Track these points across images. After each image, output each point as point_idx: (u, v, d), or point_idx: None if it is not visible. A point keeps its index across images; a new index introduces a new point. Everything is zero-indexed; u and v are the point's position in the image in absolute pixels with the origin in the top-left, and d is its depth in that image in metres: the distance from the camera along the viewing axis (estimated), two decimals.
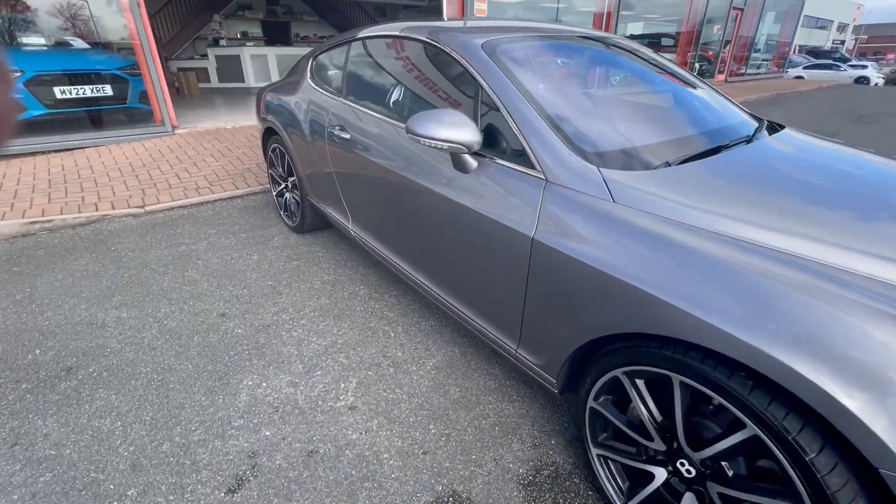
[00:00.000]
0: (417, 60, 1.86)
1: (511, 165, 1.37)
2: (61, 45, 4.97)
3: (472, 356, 1.94)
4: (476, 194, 1.42)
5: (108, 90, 4.96)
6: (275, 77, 11.04)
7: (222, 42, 11.03)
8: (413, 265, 1.87)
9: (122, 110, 5.16)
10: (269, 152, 3.02)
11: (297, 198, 2.86)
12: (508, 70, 1.50)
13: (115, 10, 4.83)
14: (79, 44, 5.18)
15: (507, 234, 1.31)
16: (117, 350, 1.92)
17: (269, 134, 2.98)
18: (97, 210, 3.20)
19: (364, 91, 2.10)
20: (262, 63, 10.80)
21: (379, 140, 1.87)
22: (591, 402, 1.27)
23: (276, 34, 13.28)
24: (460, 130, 1.35)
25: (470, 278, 1.53)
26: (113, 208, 3.26)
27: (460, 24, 1.86)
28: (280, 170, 2.98)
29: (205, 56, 10.87)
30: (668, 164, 1.28)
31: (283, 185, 3.03)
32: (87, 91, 4.83)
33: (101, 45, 5.35)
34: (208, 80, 10.95)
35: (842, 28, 35.00)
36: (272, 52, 10.94)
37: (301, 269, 2.60)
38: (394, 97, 1.91)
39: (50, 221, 3.00)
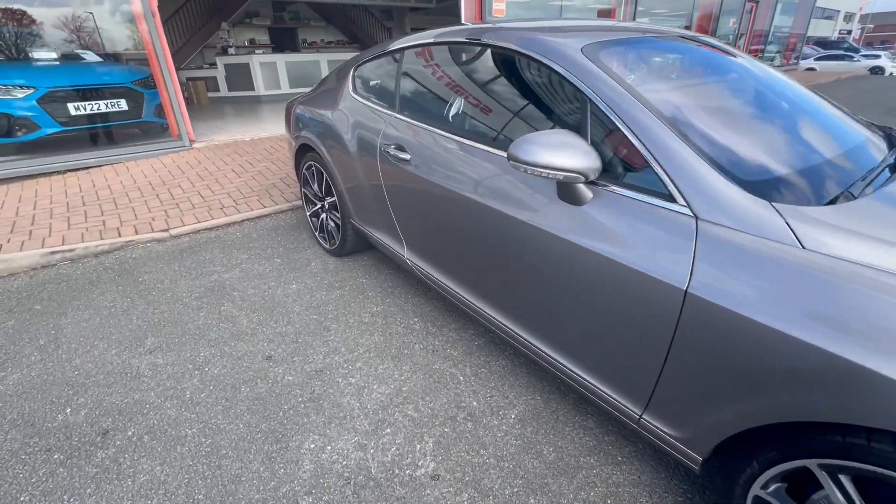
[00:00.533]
0: (491, 70, 1.62)
1: (641, 198, 1.12)
2: (72, 59, 4.79)
3: (558, 404, 1.70)
4: (594, 231, 1.18)
5: (122, 104, 4.77)
6: (284, 85, 10.87)
7: (231, 50, 10.88)
8: (492, 304, 1.63)
9: (138, 125, 4.97)
10: (303, 169, 2.80)
11: (336, 220, 2.63)
12: (621, 78, 1.26)
13: (127, 19, 4.64)
14: (90, 57, 5.01)
15: (646, 283, 1.06)
16: (157, 406, 1.70)
17: (303, 150, 2.76)
18: (120, 236, 3.00)
19: (425, 106, 1.86)
20: (271, 71, 10.65)
21: (449, 163, 1.64)
22: (756, 490, 1.02)
23: (283, 41, 13.14)
24: (576, 156, 1.12)
25: (578, 328, 1.30)
26: (136, 233, 3.06)
27: (531, 24, 1.62)
28: (316, 189, 2.76)
29: (213, 65, 10.73)
30: (851, 196, 1.03)
31: (318, 206, 2.81)
32: (101, 106, 4.64)
33: (112, 57, 5.18)
34: (217, 90, 10.81)
35: (848, 18, 34.40)
36: (281, 60, 10.78)
37: (346, 299, 2.37)
38: (465, 113, 1.68)
39: (72, 250, 2.79)
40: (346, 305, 2.32)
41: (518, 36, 1.51)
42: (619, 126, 1.18)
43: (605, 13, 10.53)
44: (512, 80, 1.58)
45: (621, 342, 1.17)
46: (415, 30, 14.86)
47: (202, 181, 4.02)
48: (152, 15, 4.37)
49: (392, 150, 1.90)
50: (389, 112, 2.02)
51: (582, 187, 1.19)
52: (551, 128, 1.40)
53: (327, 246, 2.82)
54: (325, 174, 2.55)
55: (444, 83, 1.82)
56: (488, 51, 1.63)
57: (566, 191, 1.22)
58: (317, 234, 2.92)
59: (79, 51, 4.77)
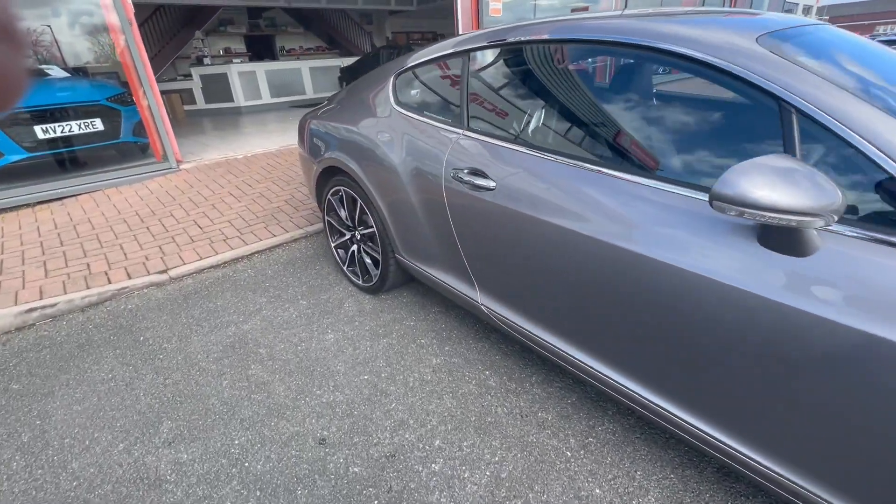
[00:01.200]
0: (617, 76, 1.28)
1: None
2: (38, 75, 4.27)
3: (697, 480, 1.36)
4: (829, 292, 0.84)
5: (97, 124, 4.26)
6: (266, 95, 10.36)
7: (206, 60, 10.30)
8: (615, 364, 1.29)
9: (116, 146, 4.47)
10: (328, 195, 2.40)
11: (374, 253, 2.25)
12: (834, 79, 0.94)
13: (102, 30, 4.15)
14: (57, 72, 4.49)
15: None
16: None
17: (327, 173, 2.37)
18: (110, 282, 2.54)
19: (514, 122, 1.51)
20: (251, 80, 10.13)
21: (560, 193, 1.28)
22: None
23: (260, 49, 12.60)
24: (811, 190, 0.78)
25: (775, 409, 0.96)
26: (129, 277, 2.61)
27: (631, 15, 1.29)
28: (345, 217, 2.37)
29: (188, 76, 10.14)
30: None
31: (348, 236, 2.42)
32: (73, 128, 4.13)
33: (83, 72, 4.66)
34: (193, 102, 10.22)
35: (807, 10, 35.58)
36: (261, 68, 10.27)
37: (397, 349, 1.99)
38: (588, 132, 1.33)
39: (53, 305, 2.33)
40: (400, 358, 1.94)
41: (650, 30, 1.17)
42: (857, 144, 0.85)
43: (581, 10, 10.36)
44: (641, 88, 1.24)
45: (867, 435, 0.84)
46: (396, 34, 14.44)
47: (197, 208, 3.57)
48: (129, 24, 3.89)
49: (465, 176, 1.54)
50: (455, 129, 1.65)
51: (813, 233, 0.86)
52: (716, 147, 1.07)
53: (360, 282, 2.43)
54: (358, 201, 2.17)
55: (534, 93, 1.47)
56: (600, 49, 1.29)
57: (781, 237, 0.89)
58: (345, 267, 2.52)
59: (45, 66, 4.25)
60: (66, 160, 4.27)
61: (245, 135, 6.48)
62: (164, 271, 2.68)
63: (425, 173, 1.72)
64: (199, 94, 10.16)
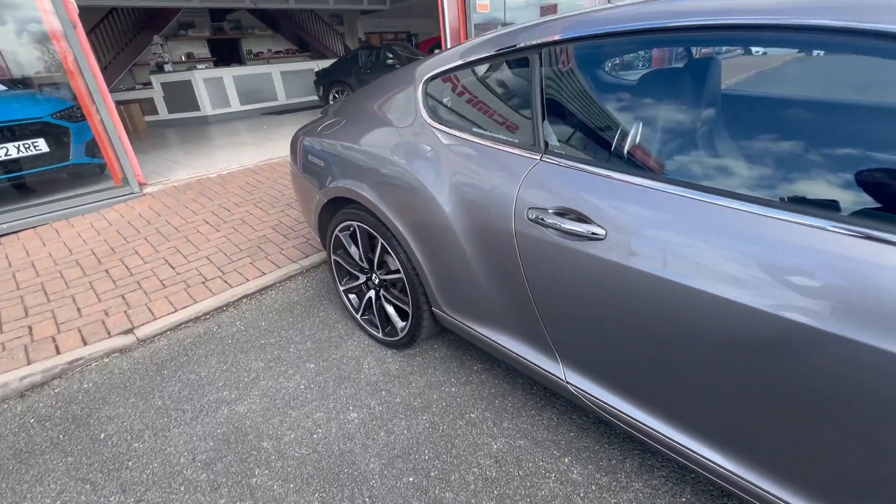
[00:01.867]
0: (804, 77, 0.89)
1: None
2: None
3: None
4: None
5: (41, 145, 3.65)
6: (235, 103, 9.68)
7: (167, 67, 9.55)
8: (778, 479, 0.89)
9: (66, 170, 3.85)
10: (336, 231, 1.94)
11: (400, 304, 1.81)
12: None
13: (40, 35, 3.54)
14: None
15: None
16: None
17: (334, 204, 1.91)
18: (58, 352, 2.01)
19: (619, 141, 1.09)
20: (217, 87, 9.46)
21: (711, 249, 0.88)
22: None
23: (225, 53, 11.85)
24: None
25: None
26: (84, 343, 2.08)
27: None
28: (357, 257, 1.92)
29: (148, 84, 9.38)
30: None
31: (362, 280, 1.97)
32: (11, 150, 3.50)
33: (23, 84, 4.02)
34: (155, 112, 9.47)
35: None
36: (228, 74, 9.61)
37: (442, 431, 1.56)
38: (738, 158, 0.93)
39: None
40: (449, 445, 1.50)
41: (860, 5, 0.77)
42: None
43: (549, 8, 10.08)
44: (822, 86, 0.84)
45: None
46: (369, 34, 13.94)
47: (167, 242, 3.03)
48: (73, 27, 3.30)
49: (551, 219, 1.11)
50: (528, 153, 1.22)
51: None
52: None
53: (380, 335, 1.97)
54: (378, 241, 1.72)
55: (679, 102, 1.06)
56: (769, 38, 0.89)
57: None
58: (358, 316, 2.06)
59: None
60: (4, 190, 3.63)
61: (216, 148, 5.88)
62: (130, 331, 2.15)
63: (484, 211, 1.29)
64: (160, 104, 9.42)
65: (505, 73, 1.37)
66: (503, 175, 1.25)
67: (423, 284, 1.63)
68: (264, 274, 2.61)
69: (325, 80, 8.73)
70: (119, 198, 3.70)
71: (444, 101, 1.51)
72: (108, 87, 9.59)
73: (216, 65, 10.83)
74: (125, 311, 2.30)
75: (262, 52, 12.56)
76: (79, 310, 2.32)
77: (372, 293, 1.96)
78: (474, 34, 5.80)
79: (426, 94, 1.54)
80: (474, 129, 1.39)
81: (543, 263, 1.17)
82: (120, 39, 9.78)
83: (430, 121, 1.50)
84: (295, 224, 3.24)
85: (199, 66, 9.65)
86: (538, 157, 1.20)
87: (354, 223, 1.82)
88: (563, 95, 1.21)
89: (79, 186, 3.82)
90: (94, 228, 3.27)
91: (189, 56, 11.08)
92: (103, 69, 9.50)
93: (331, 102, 8.88)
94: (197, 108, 9.39)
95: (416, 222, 1.51)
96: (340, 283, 2.11)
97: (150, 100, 9.40)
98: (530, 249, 1.19)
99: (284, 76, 10.39)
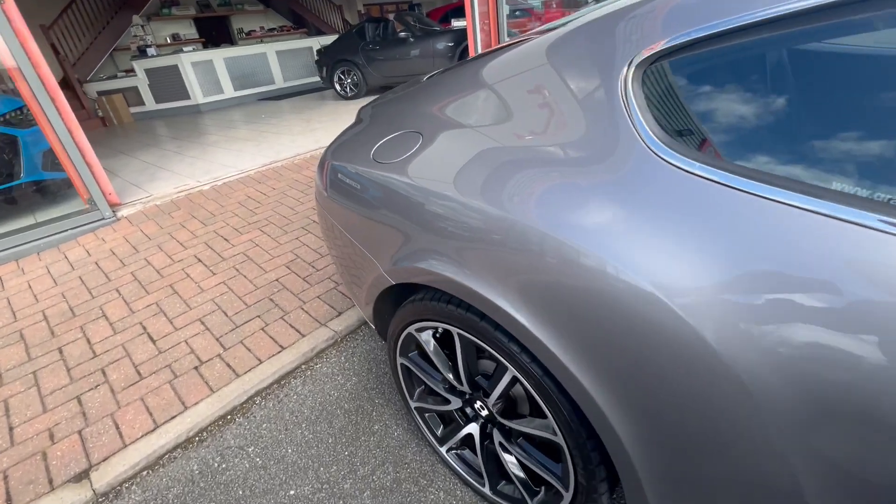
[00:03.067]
0: None
1: None
2: None
3: None
4: None
5: None
6: (228, 89, 8.71)
7: (151, 51, 8.55)
8: None
9: (14, 190, 3.03)
10: (409, 329, 1.13)
11: (543, 471, 1.00)
12: None
13: None
14: None
15: None
16: None
17: (401, 292, 1.10)
18: None
19: None
20: (208, 71, 8.49)
21: None
22: None
23: (214, 33, 10.79)
24: None
25: None
26: (8, 498, 1.31)
27: None
28: (448, 371, 1.11)
29: (131, 72, 8.41)
30: None
31: (452, 406, 1.17)
32: None
33: None
34: (142, 103, 8.56)
35: None
36: (219, 56, 8.61)
37: None
38: None
39: None
40: None
41: None
42: None
43: None
44: None
45: None
46: (368, 6, 12.84)
47: (146, 296, 2.23)
48: (4, 14, 2.42)
49: None
50: None
51: None
52: None
53: (486, 490, 1.18)
54: (513, 375, 0.91)
55: None
56: None
57: None
58: (443, 449, 1.27)
59: None
60: None
61: (209, 146, 5.01)
62: (85, 474, 1.38)
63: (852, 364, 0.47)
64: (146, 93, 8.48)
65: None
66: None
67: (620, 468, 0.82)
68: (283, 349, 1.82)
69: (328, 60, 7.72)
70: (86, 226, 2.88)
71: (692, 113, 0.67)
72: (88, 76, 8.63)
73: (205, 46, 9.82)
74: (80, 433, 1.52)
75: (254, 31, 11.47)
76: (10, 430, 1.54)
77: (474, 429, 1.17)
78: None
79: (646, 99, 0.69)
80: (808, 183, 0.55)
81: None
82: (96, 21, 8.76)
83: (664, 152, 0.66)
84: (315, 258, 2.43)
85: (185, 49, 8.65)
86: None
87: (453, 329, 1.01)
88: None
89: (33, 211, 3.00)
90: (50, 275, 2.46)
91: (175, 38, 10.04)
92: (80, 56, 8.54)
93: (336, 85, 7.91)
94: (187, 97, 8.45)
95: (633, 371, 0.69)
96: (411, 398, 1.31)
97: (135, 89, 8.46)
98: None
99: (281, 56, 9.36)
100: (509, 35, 4.19)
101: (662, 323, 0.62)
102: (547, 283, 0.74)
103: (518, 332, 0.81)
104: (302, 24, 11.91)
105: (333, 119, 5.89)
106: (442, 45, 6.65)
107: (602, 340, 0.69)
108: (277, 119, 6.39)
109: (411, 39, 6.87)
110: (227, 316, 2.04)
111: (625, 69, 0.71)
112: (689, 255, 0.61)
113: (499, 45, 1.21)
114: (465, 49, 6.22)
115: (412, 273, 0.99)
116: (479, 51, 4.16)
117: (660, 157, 0.65)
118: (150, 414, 1.57)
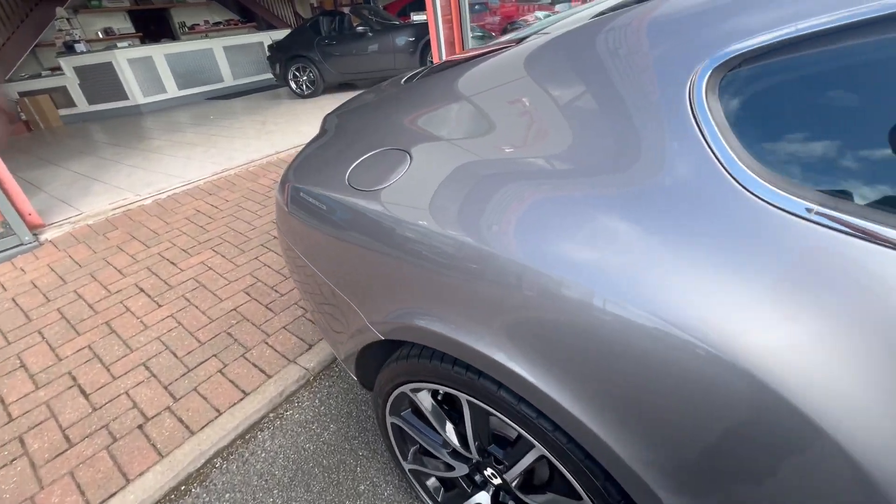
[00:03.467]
0: None
1: None
2: None
3: None
4: None
5: None
6: (171, 88, 8.08)
7: (80, 47, 7.77)
8: None
9: None
10: (402, 388, 0.93)
11: None
12: None
13: None
14: None
15: None
16: None
17: (387, 348, 0.90)
18: None
19: None
20: (148, 69, 7.83)
21: None
22: None
23: (153, 27, 10.00)
24: None
25: None
26: None
27: None
28: (453, 436, 0.92)
29: (57, 70, 7.62)
30: None
31: (457, 473, 0.98)
32: None
33: None
34: (72, 104, 7.80)
35: None
36: (159, 52, 7.97)
37: None
38: None
39: None
40: None
41: None
42: None
43: None
44: None
45: None
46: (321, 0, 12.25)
47: (76, 337, 1.90)
48: None
49: None
50: None
51: None
52: None
53: None
54: (543, 454, 0.73)
55: None
56: None
57: None
58: None
59: None
60: None
61: (152, 152, 4.55)
62: None
63: None
64: (77, 93, 7.72)
65: None
66: None
67: None
68: (246, 395, 1.57)
69: (281, 56, 7.27)
70: (1, 253, 2.47)
71: (789, 133, 0.51)
72: (7, 74, 7.75)
73: (143, 42, 9.06)
74: None
75: (197, 25, 10.73)
76: None
77: (485, 500, 0.98)
78: None
79: (726, 117, 0.52)
80: None
81: None
82: (13, 14, 7.85)
83: (754, 185, 0.49)
84: (278, 281, 2.17)
85: (120, 45, 7.93)
86: None
87: (462, 395, 0.82)
88: None
89: None
90: None
91: (107, 32, 9.21)
92: None
93: (291, 83, 7.46)
94: (125, 97, 7.77)
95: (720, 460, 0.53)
96: (405, 460, 1.11)
97: (63, 89, 7.68)
98: None
99: (229, 52, 8.78)
100: (472, 30, 4.01)
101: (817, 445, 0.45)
102: (608, 373, 0.56)
103: (549, 406, 0.62)
104: (250, 17, 11.26)
105: (290, 120, 5.52)
106: (403, 40, 6.39)
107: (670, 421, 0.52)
108: (229, 120, 5.93)
109: (370, 34, 6.56)
110: (176, 357, 1.76)
111: (698, 81, 0.53)
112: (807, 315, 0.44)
113: (488, 47, 1.02)
114: (428, 44, 5.97)
115: (406, 331, 0.79)
116: (443, 46, 3.96)
117: (739, 186, 0.49)
118: (83, 494, 1.29)
